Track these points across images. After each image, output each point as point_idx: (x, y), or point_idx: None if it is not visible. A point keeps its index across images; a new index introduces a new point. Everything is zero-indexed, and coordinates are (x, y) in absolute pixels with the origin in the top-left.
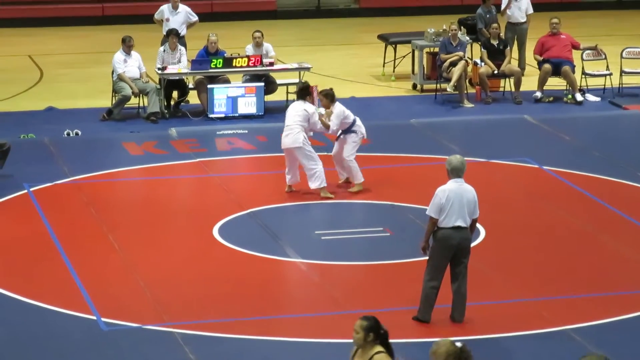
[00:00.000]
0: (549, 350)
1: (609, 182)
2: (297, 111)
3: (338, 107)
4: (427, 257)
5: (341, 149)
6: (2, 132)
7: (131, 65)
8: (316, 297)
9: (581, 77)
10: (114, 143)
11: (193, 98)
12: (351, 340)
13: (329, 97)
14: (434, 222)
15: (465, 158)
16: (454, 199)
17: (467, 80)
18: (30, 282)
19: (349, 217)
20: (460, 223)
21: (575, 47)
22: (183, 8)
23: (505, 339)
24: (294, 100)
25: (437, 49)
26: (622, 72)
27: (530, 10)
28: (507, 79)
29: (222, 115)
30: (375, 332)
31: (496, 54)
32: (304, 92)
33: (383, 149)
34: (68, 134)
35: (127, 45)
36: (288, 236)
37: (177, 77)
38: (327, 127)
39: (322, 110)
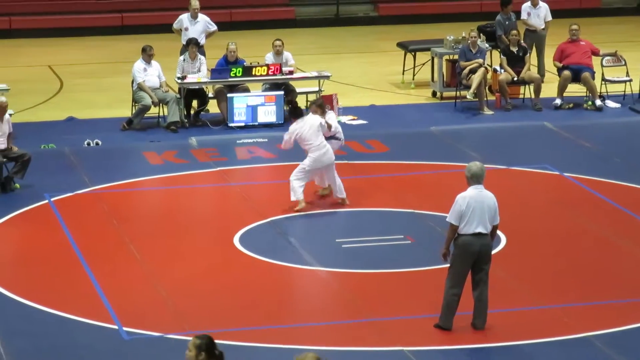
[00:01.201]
0: (570, 357)
1: (629, 189)
2: (318, 127)
3: (330, 112)
4: (448, 265)
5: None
6: (22, 142)
7: (151, 75)
8: (337, 305)
9: (601, 84)
10: (134, 152)
11: (213, 107)
12: (372, 348)
13: (322, 107)
14: (454, 229)
15: (486, 165)
16: (474, 205)
17: (486, 88)
18: (52, 292)
19: (369, 224)
20: (480, 229)
21: (595, 53)
22: (202, 17)
23: (527, 345)
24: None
25: (456, 56)
26: None
27: (549, 18)
28: (527, 86)
29: (242, 124)
30: (207, 352)
31: (516, 61)
32: (299, 109)
33: (403, 156)
34: (88, 144)
35: (148, 55)
36: (309, 244)
37: (197, 86)
38: (330, 126)
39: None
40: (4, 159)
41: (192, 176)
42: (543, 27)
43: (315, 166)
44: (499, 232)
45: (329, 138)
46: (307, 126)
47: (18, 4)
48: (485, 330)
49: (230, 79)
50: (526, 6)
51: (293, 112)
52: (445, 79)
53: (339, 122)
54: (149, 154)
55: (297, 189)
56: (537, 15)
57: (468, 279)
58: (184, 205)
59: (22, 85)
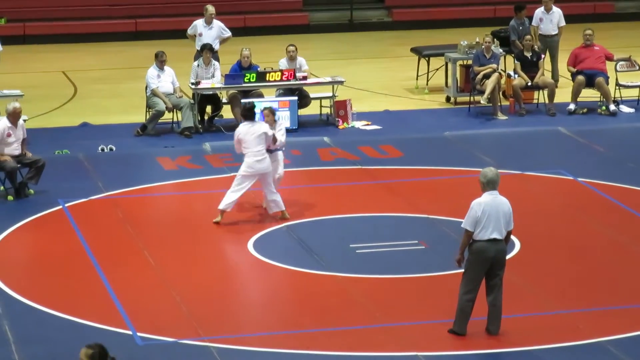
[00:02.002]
0: None
1: None
2: (261, 135)
3: (282, 127)
4: (461, 270)
5: (274, 170)
6: (36, 148)
7: (164, 81)
8: (351, 310)
9: (615, 89)
10: (148, 158)
11: (227, 112)
12: (386, 354)
13: (274, 114)
14: (469, 235)
15: (500, 170)
16: (489, 211)
17: (500, 93)
18: (66, 298)
19: (383, 230)
20: (496, 235)
21: (609, 58)
22: (216, 23)
23: (541, 351)
24: (327, 115)
25: (470, 62)
26: None
27: (562, 23)
28: (541, 91)
29: None
30: None
31: (529, 66)
32: (252, 112)
33: (417, 161)
34: (102, 150)
35: (160, 61)
36: (323, 250)
37: (211, 92)
38: (276, 140)
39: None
40: (18, 165)
41: (206, 182)
42: (555, 33)
43: (249, 172)
44: (513, 237)
45: (270, 151)
46: (252, 131)
47: (32, 10)
48: (499, 335)
49: (244, 85)
50: (539, 11)
51: (248, 114)
52: (459, 84)
53: (352, 127)
54: (163, 160)
55: (227, 200)
56: (550, 20)
57: (482, 284)
58: (198, 210)
59: (36, 91)
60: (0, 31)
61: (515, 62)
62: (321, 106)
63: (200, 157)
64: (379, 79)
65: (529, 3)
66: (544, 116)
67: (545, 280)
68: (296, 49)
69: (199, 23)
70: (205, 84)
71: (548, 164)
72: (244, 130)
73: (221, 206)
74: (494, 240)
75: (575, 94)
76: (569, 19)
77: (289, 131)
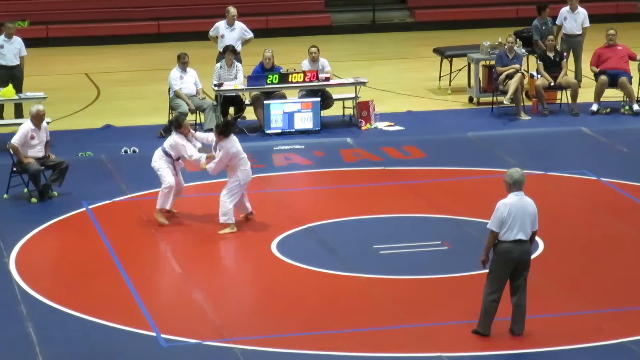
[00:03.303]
0: None
1: None
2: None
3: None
4: (485, 270)
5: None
6: (60, 150)
7: (187, 82)
8: (375, 311)
9: (638, 88)
10: None
11: (250, 114)
12: (410, 354)
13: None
14: (494, 236)
15: (523, 171)
16: (515, 212)
17: (523, 93)
18: (90, 300)
19: (406, 231)
20: (521, 236)
21: (632, 58)
22: (238, 25)
23: (564, 352)
24: (350, 116)
25: (493, 62)
26: None
27: (587, 24)
28: (564, 91)
29: (279, 131)
30: None
31: (552, 66)
32: (232, 129)
33: (440, 162)
34: (125, 152)
35: (182, 62)
36: (346, 251)
37: (234, 94)
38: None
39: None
40: (42, 167)
41: None
42: (579, 33)
43: (246, 180)
44: (536, 237)
45: (179, 159)
46: (236, 141)
47: (55, 12)
48: (524, 336)
49: (266, 86)
50: (564, 10)
51: (225, 131)
52: (481, 85)
53: (375, 128)
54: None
55: (230, 212)
56: (575, 20)
57: (506, 285)
58: None
59: (60, 94)
60: (23, 34)
61: (538, 62)
62: (344, 107)
63: None
64: (402, 79)
65: (551, 3)
66: (567, 116)
67: (568, 280)
68: (318, 50)
69: (221, 25)
70: (227, 85)
71: (571, 164)
72: (234, 144)
73: (229, 220)
74: (519, 241)
75: (598, 94)
76: (592, 18)
77: (311, 132)
